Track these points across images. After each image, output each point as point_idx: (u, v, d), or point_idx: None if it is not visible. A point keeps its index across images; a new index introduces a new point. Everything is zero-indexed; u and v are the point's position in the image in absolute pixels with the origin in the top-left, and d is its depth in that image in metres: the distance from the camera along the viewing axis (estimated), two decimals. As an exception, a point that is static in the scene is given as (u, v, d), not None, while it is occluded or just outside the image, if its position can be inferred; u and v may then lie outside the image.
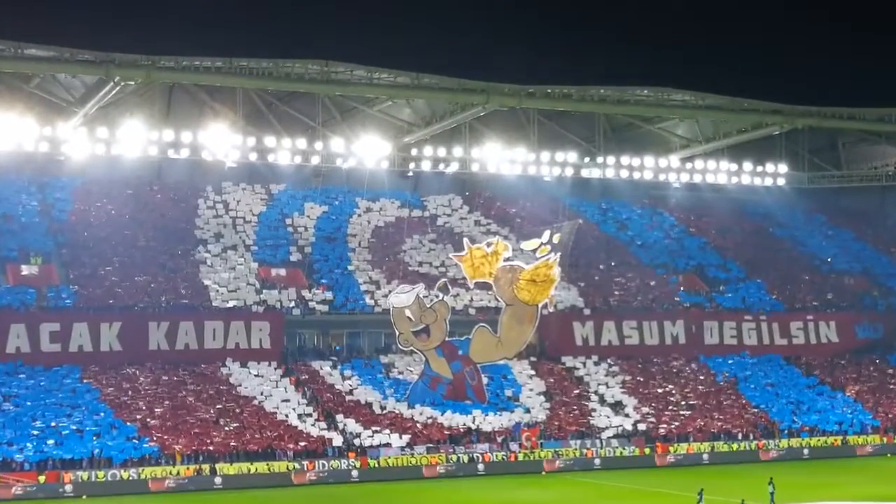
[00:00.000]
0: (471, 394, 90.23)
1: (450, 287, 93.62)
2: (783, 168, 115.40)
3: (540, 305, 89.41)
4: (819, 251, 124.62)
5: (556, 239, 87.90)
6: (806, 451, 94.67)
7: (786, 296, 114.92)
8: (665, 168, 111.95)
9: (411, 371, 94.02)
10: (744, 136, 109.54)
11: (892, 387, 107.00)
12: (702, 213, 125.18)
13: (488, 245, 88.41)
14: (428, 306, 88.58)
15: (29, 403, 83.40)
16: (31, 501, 73.83)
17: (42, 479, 75.86)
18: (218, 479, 79.46)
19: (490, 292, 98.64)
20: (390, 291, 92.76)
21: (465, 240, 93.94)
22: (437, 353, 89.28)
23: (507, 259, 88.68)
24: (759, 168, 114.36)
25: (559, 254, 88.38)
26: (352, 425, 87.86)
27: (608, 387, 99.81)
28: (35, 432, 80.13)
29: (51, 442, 79.31)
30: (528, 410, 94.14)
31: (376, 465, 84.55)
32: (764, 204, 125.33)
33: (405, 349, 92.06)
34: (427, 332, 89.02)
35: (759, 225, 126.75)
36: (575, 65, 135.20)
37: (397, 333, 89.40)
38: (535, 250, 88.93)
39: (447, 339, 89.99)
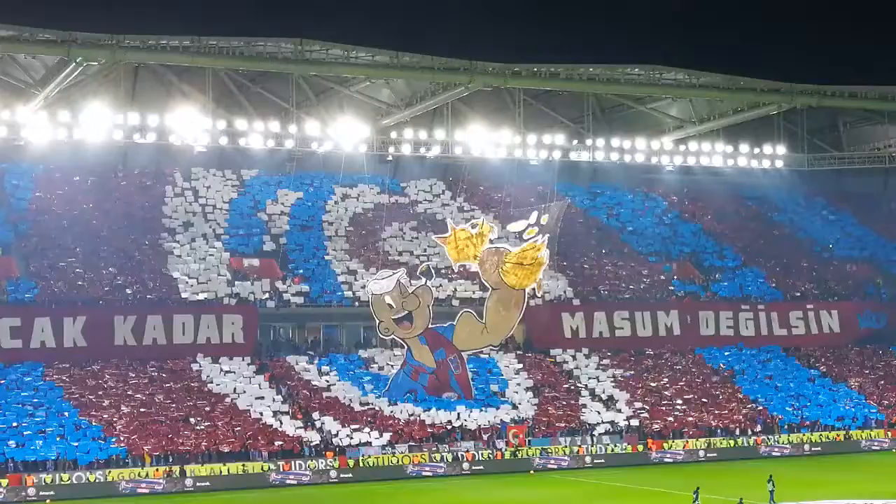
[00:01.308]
0: (455, 385, 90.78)
1: (433, 271, 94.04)
2: (781, 150, 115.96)
3: (527, 290, 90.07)
4: (819, 237, 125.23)
5: (543, 220, 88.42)
6: (807, 447, 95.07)
7: (785, 284, 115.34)
8: (658, 150, 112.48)
9: (392, 366, 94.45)
10: (740, 117, 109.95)
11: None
12: (696, 198, 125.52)
13: (473, 226, 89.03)
14: (410, 292, 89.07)
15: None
16: (-7, 506, 73.92)
17: (4, 482, 75.59)
18: (189, 482, 79.33)
19: (474, 282, 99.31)
20: (368, 284, 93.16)
21: (449, 220, 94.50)
22: (420, 341, 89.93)
23: (493, 241, 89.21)
24: (757, 150, 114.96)
25: (547, 236, 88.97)
26: (330, 423, 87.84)
27: (599, 381, 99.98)
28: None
29: (12, 443, 79.16)
30: (515, 406, 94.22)
31: (356, 465, 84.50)
32: (761, 187, 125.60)
33: (386, 338, 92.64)
34: (409, 320, 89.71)
35: (756, 209, 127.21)
36: (563, 42, 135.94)
37: (377, 322, 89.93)
38: (521, 232, 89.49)
39: (430, 326, 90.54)
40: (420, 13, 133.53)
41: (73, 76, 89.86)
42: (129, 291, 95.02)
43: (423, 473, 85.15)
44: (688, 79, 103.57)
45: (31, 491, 75.59)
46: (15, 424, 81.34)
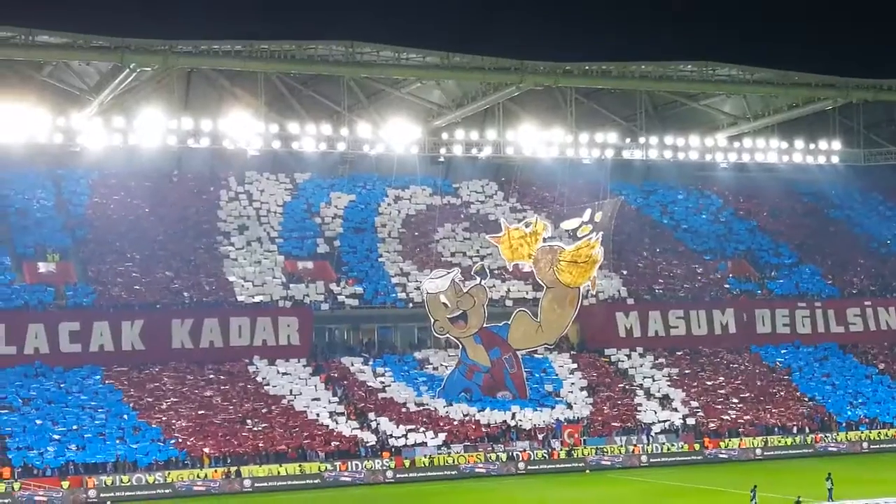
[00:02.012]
0: (510, 384, 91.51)
1: (487, 270, 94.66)
2: (837, 145, 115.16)
3: (582, 288, 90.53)
4: (876, 232, 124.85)
5: (597, 218, 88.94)
6: (865, 445, 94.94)
7: (842, 281, 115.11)
8: (711, 147, 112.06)
9: (446, 367, 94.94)
10: (795, 112, 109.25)
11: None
12: (751, 195, 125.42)
13: (527, 225, 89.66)
14: (465, 291, 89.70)
15: (49, 406, 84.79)
16: (55, 508, 75.16)
17: (65, 484, 76.85)
18: (247, 482, 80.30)
19: (528, 282, 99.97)
20: (422, 284, 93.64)
21: (502, 220, 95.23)
22: (475, 341, 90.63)
23: (547, 239, 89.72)
24: (812, 145, 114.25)
25: (601, 233, 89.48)
26: (385, 424, 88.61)
27: (654, 380, 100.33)
28: (56, 436, 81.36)
29: (73, 446, 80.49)
30: (569, 406, 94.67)
31: (411, 465, 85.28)
32: (817, 183, 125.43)
33: (441, 337, 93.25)
34: (464, 319, 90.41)
35: (812, 206, 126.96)
36: (614, 40, 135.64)
37: (432, 321, 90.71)
38: (575, 230, 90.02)
39: (485, 325, 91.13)
40: (470, 14, 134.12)
41: (126, 82, 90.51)
42: (185, 295, 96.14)
43: (479, 472, 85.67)
44: (741, 75, 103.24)
45: (92, 493, 76.66)
46: (75, 427, 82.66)
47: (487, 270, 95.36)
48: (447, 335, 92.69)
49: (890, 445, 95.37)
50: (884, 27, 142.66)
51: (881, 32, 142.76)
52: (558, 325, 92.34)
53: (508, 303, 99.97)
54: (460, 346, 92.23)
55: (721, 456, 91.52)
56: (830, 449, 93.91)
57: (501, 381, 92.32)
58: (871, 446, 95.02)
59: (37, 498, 75.61)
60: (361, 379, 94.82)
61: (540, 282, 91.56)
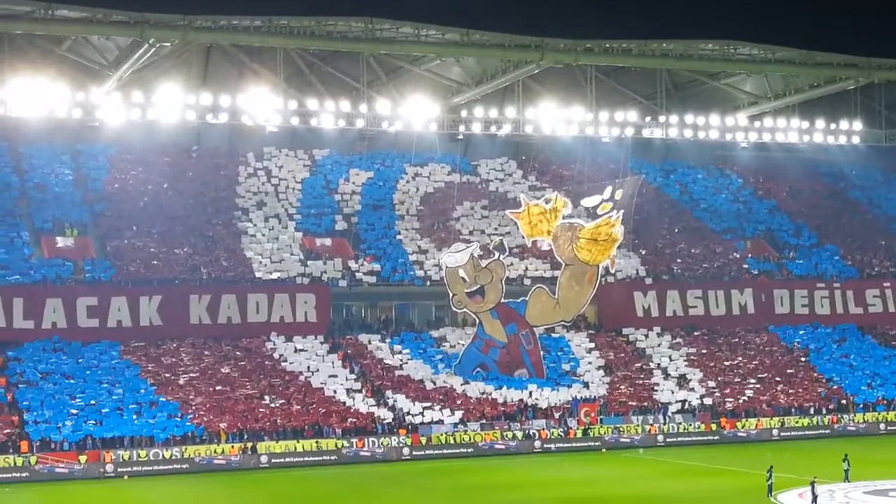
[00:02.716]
0: (526, 360, 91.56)
1: (506, 246, 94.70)
2: (858, 125, 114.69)
3: (600, 266, 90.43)
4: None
5: (618, 196, 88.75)
6: (882, 426, 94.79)
7: (861, 262, 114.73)
8: (732, 127, 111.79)
9: (463, 345, 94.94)
10: (816, 92, 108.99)
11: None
12: (771, 175, 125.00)
13: (546, 202, 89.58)
14: (483, 266, 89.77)
15: (67, 381, 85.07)
16: (72, 482, 75.25)
17: (82, 459, 77.24)
18: (263, 458, 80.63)
19: (546, 261, 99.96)
20: (441, 257, 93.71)
21: (522, 196, 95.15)
22: (492, 315, 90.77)
23: (567, 216, 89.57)
24: (833, 125, 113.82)
25: (622, 211, 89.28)
26: (402, 401, 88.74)
27: (672, 360, 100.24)
28: (74, 411, 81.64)
29: (90, 421, 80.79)
30: (586, 385, 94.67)
31: (428, 443, 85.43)
32: (838, 164, 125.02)
33: (458, 311, 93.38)
34: (482, 294, 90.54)
35: (832, 186, 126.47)
36: (635, 17, 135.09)
37: (450, 294, 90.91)
38: (595, 207, 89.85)
39: (503, 300, 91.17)
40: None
41: (145, 57, 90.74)
42: (203, 271, 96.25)
43: (496, 449, 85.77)
44: (763, 54, 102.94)
45: (109, 467, 77.07)
46: (93, 402, 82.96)
47: (506, 246, 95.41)
48: (464, 309, 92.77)
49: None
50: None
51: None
52: (576, 303, 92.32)
53: (526, 281, 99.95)
54: (477, 321, 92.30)
55: (738, 436, 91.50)
56: (847, 430, 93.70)
57: (518, 357, 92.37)
58: (889, 428, 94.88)
59: (57, 470, 76.04)
60: (378, 356, 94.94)
61: (558, 259, 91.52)
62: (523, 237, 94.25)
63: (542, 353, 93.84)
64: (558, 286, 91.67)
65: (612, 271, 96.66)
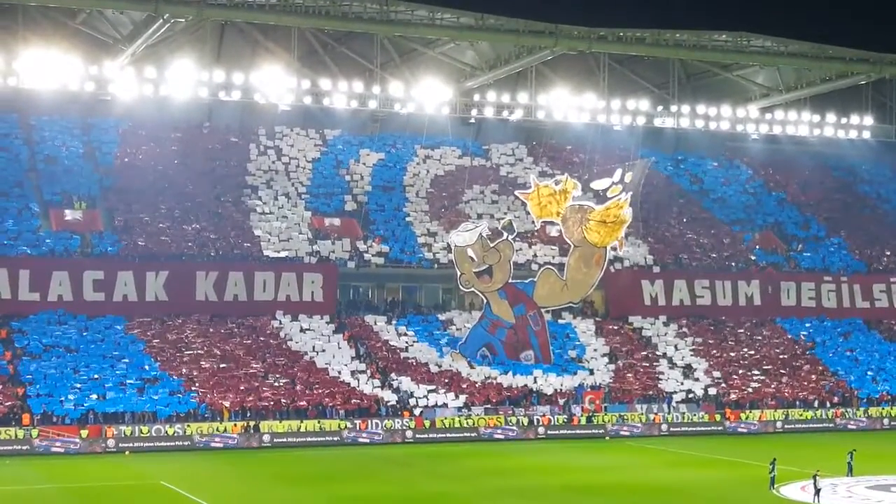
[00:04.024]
0: (534, 341, 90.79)
1: (514, 226, 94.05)
2: (869, 120, 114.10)
3: (608, 248, 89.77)
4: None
5: (627, 178, 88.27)
6: (886, 421, 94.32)
7: (869, 256, 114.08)
8: (743, 118, 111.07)
9: (470, 328, 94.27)
10: (828, 86, 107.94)
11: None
12: (781, 167, 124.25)
13: (556, 183, 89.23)
14: (491, 246, 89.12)
15: (71, 354, 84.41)
16: (73, 457, 74.75)
17: (84, 433, 76.79)
18: (266, 437, 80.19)
19: (554, 246, 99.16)
20: (450, 236, 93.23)
21: (532, 177, 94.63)
22: (500, 296, 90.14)
23: (576, 198, 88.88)
24: (844, 120, 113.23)
25: (630, 193, 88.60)
26: (407, 384, 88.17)
27: (677, 349, 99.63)
28: (77, 385, 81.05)
29: (93, 395, 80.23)
30: (592, 372, 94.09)
31: (432, 426, 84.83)
32: (848, 158, 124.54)
33: (465, 290, 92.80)
34: (490, 274, 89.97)
35: (842, 180, 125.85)
36: (649, 7, 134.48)
37: (458, 274, 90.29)
38: (605, 190, 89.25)
39: (511, 280, 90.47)
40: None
41: (160, 32, 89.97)
42: (211, 247, 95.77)
43: (498, 436, 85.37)
44: (775, 46, 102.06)
45: (111, 442, 76.73)
46: (96, 377, 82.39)
47: (514, 226, 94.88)
48: (472, 289, 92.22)
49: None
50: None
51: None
52: (584, 285, 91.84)
53: (535, 266, 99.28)
54: (485, 301, 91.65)
55: (741, 428, 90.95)
56: (850, 426, 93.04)
57: (525, 338, 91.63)
58: (892, 423, 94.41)
59: (53, 449, 75.57)
60: (384, 338, 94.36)
61: (567, 240, 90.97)
62: (532, 219, 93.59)
63: (549, 335, 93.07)
64: (566, 267, 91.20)
65: (621, 253, 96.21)
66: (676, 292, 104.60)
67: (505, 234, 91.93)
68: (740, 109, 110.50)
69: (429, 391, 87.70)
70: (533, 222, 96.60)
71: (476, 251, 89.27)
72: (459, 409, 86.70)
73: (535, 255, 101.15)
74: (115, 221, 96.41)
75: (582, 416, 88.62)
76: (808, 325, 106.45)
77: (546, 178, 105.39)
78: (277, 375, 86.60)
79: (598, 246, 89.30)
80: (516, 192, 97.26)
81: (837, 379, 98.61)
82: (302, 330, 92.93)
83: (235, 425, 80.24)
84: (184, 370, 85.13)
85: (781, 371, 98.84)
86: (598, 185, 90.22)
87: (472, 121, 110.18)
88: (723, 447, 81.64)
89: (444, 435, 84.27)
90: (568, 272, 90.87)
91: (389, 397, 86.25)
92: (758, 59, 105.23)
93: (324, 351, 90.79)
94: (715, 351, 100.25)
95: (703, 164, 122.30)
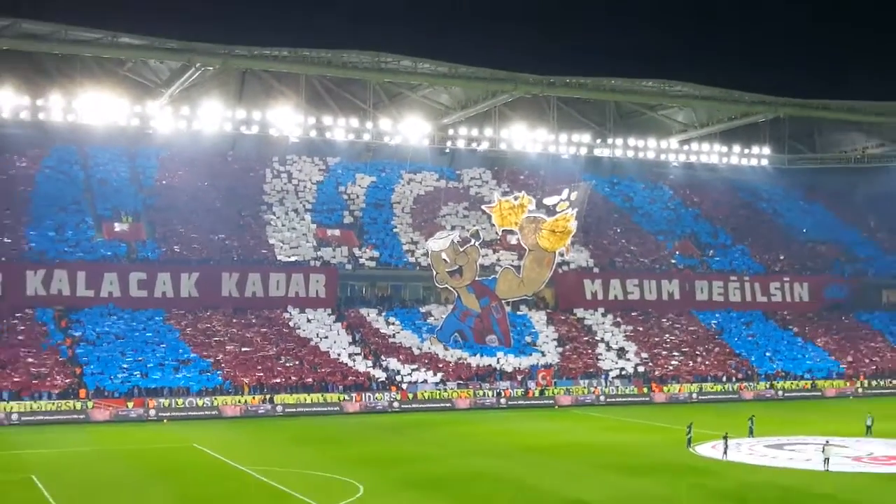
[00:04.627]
0: (496, 328, 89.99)
1: (480, 234, 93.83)
2: (767, 150, 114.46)
3: (557, 252, 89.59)
4: (796, 222, 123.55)
5: (573, 196, 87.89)
6: (781, 393, 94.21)
7: (766, 260, 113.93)
8: (665, 149, 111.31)
9: (445, 317, 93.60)
10: (734, 123, 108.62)
11: (856, 340, 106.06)
12: (696, 189, 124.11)
13: (515, 198, 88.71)
14: (461, 250, 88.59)
15: (119, 340, 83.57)
16: (121, 424, 74.21)
17: (130, 404, 76.25)
18: (279, 407, 79.65)
19: (513, 252, 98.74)
20: (427, 243, 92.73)
21: (496, 193, 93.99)
22: (468, 290, 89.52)
23: (531, 211, 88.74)
24: (746, 150, 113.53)
25: (576, 209, 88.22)
26: (394, 364, 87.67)
27: (613, 335, 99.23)
28: (124, 365, 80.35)
29: (137, 374, 79.62)
30: (544, 354, 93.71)
31: (414, 398, 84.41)
32: (750, 181, 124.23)
33: (440, 286, 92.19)
34: (460, 273, 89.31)
35: (745, 199, 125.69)
36: (590, 58, 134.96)
37: (434, 273, 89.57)
38: (555, 205, 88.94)
39: (477, 278, 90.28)
40: (476, 33, 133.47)
41: (192, 78, 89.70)
42: (234, 253, 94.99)
43: (468, 406, 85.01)
44: (692, 91, 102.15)
45: (152, 412, 76.21)
46: (140, 359, 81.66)
47: (480, 234, 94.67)
48: (446, 285, 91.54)
49: (800, 393, 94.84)
50: (807, 57, 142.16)
51: (805, 61, 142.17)
52: (537, 281, 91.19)
53: (497, 268, 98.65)
54: (456, 294, 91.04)
55: (664, 399, 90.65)
56: (751, 397, 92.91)
57: (489, 325, 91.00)
58: (786, 394, 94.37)
59: (105, 418, 75.05)
60: (376, 326, 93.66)
61: (523, 245, 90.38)
62: (496, 230, 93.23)
63: (509, 322, 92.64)
64: (522, 267, 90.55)
65: (567, 257, 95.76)
66: (612, 289, 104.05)
67: (472, 241, 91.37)
68: (663, 142, 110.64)
69: (412, 370, 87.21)
70: (496, 232, 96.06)
71: (449, 254, 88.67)
72: (437, 384, 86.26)
73: (498, 259, 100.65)
74: (155, 232, 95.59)
75: (536, 389, 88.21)
76: (717, 315, 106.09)
77: (507, 197, 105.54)
78: (288, 357, 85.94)
79: (548, 250, 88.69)
80: (482, 207, 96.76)
81: (741, 359, 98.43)
82: (308, 320, 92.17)
83: (254, 398, 79.69)
84: (212, 353, 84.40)
85: (696, 352, 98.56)
86: (549, 201, 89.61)
87: (447, 150, 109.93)
88: (649, 414, 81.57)
89: (424, 405, 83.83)
90: (524, 271, 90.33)
91: (380, 375, 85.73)
92: (677, 102, 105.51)
93: (326, 337, 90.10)
94: (643, 336, 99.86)
95: (634, 186, 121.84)
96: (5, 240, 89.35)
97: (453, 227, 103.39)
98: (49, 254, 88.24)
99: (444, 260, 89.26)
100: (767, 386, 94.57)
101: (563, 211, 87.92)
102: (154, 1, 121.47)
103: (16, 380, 76.07)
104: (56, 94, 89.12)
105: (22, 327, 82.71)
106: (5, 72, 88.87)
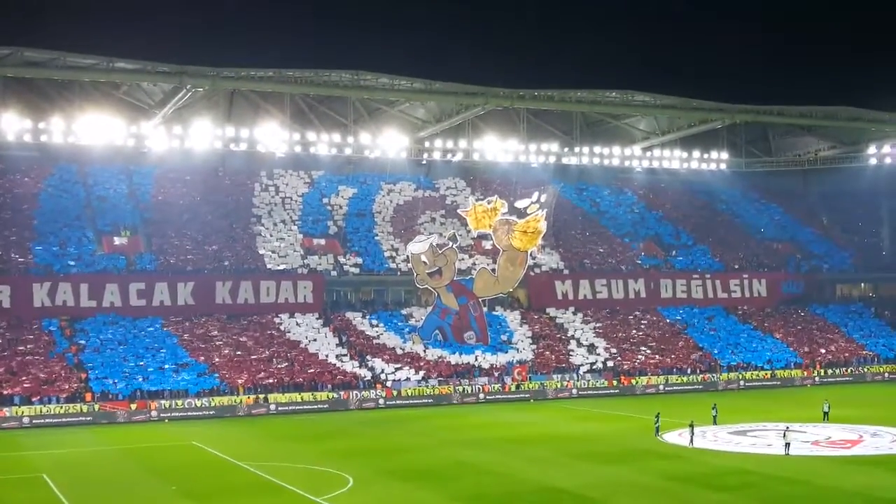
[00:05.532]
0: (474, 325, 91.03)
1: (458, 237, 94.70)
2: (724, 155, 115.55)
3: (529, 251, 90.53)
4: (753, 222, 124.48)
5: (542, 199, 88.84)
6: (742, 383, 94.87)
7: (726, 259, 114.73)
8: (629, 156, 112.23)
9: (426, 315, 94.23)
10: (693, 130, 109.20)
11: (812, 331, 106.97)
12: (659, 193, 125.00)
13: (488, 202, 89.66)
14: (440, 252, 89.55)
15: (121, 347, 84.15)
16: (124, 425, 74.86)
17: (133, 406, 76.75)
18: (272, 406, 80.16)
19: (488, 256, 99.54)
20: (408, 246, 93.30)
21: (470, 198, 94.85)
22: (447, 290, 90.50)
23: (504, 214, 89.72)
24: (706, 155, 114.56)
25: (545, 210, 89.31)
26: (378, 363, 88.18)
27: (583, 332, 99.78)
28: (126, 370, 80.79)
29: (139, 377, 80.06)
30: (519, 351, 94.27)
31: (398, 395, 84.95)
32: (709, 184, 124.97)
33: (420, 287, 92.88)
34: (439, 273, 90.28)
35: (704, 202, 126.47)
36: (557, 72, 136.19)
37: (415, 275, 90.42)
38: (526, 208, 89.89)
39: (455, 278, 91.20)
40: (449, 50, 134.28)
41: (184, 99, 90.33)
42: (226, 263, 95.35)
43: (449, 401, 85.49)
44: (653, 101, 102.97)
45: (154, 413, 76.64)
46: (141, 363, 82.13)
47: (458, 237, 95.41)
48: (426, 285, 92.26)
49: (760, 384, 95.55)
50: (762, 66, 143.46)
51: (759, 70, 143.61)
52: (511, 279, 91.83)
53: (474, 272, 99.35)
54: (436, 294, 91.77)
55: (633, 390, 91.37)
56: (716, 387, 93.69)
57: (468, 322, 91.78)
58: (746, 384, 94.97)
59: (109, 419, 75.66)
60: (360, 329, 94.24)
61: (497, 245, 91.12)
62: (472, 235, 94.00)
63: (486, 320, 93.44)
64: (497, 266, 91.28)
65: (538, 257, 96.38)
66: (582, 289, 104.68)
67: (450, 243, 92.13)
68: (627, 149, 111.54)
69: (396, 368, 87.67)
70: (472, 238, 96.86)
71: (428, 256, 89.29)
72: (419, 381, 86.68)
73: (473, 263, 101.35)
74: (152, 245, 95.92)
75: (512, 384, 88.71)
76: (681, 311, 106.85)
77: (480, 201, 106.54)
78: (280, 359, 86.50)
79: (520, 250, 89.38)
80: (458, 210, 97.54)
81: (704, 351, 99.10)
82: (297, 324, 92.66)
83: (249, 398, 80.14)
84: (208, 357, 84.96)
85: (662, 346, 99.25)
86: (520, 204, 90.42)
87: (424, 162, 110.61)
88: (619, 405, 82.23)
89: (408, 401, 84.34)
90: (499, 270, 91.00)
91: (365, 374, 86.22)
92: (640, 111, 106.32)
93: (315, 340, 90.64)
94: (611, 332, 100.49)
95: (600, 191, 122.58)
96: (13, 255, 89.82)
97: (430, 234, 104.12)
98: (54, 267, 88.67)
99: (424, 262, 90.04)
100: (729, 377, 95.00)
101: (533, 213, 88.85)
102: (146, 27, 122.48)
103: (26, 385, 76.63)
104: (57, 117, 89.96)
105: (30, 336, 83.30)
106: (9, 97, 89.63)
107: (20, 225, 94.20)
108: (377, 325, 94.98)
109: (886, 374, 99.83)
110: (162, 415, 76.72)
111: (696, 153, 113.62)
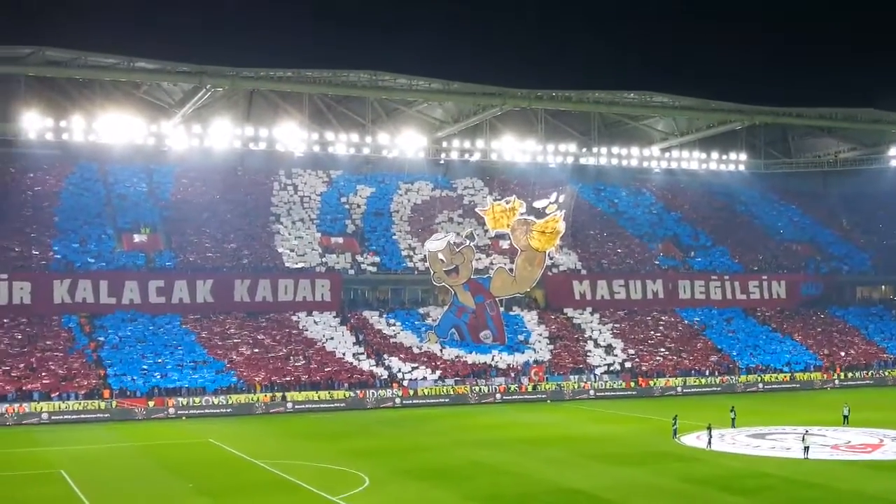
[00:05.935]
0: (490, 324, 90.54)
1: (475, 235, 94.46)
2: (743, 156, 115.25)
3: (548, 251, 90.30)
4: (772, 224, 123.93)
5: (561, 199, 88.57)
6: (760, 386, 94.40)
7: (745, 260, 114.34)
8: (648, 157, 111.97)
9: (443, 313, 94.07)
10: (712, 131, 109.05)
11: (832, 334, 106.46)
12: (677, 194, 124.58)
13: (507, 202, 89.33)
14: (457, 250, 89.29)
15: (140, 344, 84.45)
16: (142, 422, 75.10)
17: (151, 403, 76.94)
18: (289, 404, 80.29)
19: (505, 256, 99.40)
20: (425, 244, 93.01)
21: (488, 197, 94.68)
22: (464, 288, 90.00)
23: (522, 214, 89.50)
24: (724, 156, 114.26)
25: (563, 211, 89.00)
26: (395, 362, 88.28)
27: (601, 332, 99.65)
28: (145, 367, 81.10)
29: (157, 374, 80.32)
30: (535, 351, 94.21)
31: (415, 394, 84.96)
32: (728, 185, 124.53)
33: (437, 285, 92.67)
34: (456, 271, 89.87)
35: (724, 203, 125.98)
36: (575, 72, 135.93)
37: (432, 272, 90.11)
38: (544, 208, 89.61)
39: (472, 277, 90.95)
40: (467, 50, 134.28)
41: (203, 99, 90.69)
42: (245, 261, 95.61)
43: (465, 401, 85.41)
44: (671, 102, 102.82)
45: (171, 410, 76.83)
46: (160, 360, 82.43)
47: (475, 234, 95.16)
48: (443, 284, 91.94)
49: (779, 386, 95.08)
50: (782, 68, 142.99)
51: (779, 71, 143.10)
52: (529, 280, 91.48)
53: (491, 271, 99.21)
54: (453, 292, 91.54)
55: (650, 392, 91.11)
56: (734, 389, 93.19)
57: (484, 321, 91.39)
58: (765, 386, 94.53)
59: (127, 416, 75.81)
60: (377, 327, 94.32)
61: (515, 245, 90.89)
62: (486, 231, 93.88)
63: (503, 319, 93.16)
64: (515, 266, 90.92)
65: (556, 256, 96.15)
66: (599, 290, 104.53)
67: (467, 241, 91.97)
68: (645, 150, 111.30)
69: (412, 368, 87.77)
70: (489, 237, 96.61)
71: (445, 255, 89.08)
72: (436, 380, 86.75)
73: (491, 263, 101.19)
74: (171, 243, 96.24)
75: (529, 384, 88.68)
76: (699, 313, 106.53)
77: (499, 200, 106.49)
78: (297, 357, 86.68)
79: (538, 250, 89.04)
80: (476, 209, 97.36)
81: (723, 353, 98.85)
82: (315, 323, 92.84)
83: (266, 396, 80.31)
84: (226, 354, 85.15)
85: (680, 348, 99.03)
86: (538, 204, 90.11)
87: (442, 162, 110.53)
88: (636, 407, 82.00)
89: (424, 401, 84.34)
90: (516, 270, 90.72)
91: (382, 373, 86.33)
92: (658, 112, 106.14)
93: (332, 338, 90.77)
94: (629, 333, 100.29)
95: (618, 191, 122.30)
96: (33, 252, 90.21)
97: (448, 234, 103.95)
98: (74, 265, 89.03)
99: (441, 259, 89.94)
100: (748, 379, 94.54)
101: (551, 213, 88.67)
102: (167, 28, 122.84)
103: (45, 382, 76.98)
104: (78, 116, 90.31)
105: (50, 333, 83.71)
106: (31, 96, 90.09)
107: (41, 222, 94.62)
108: (394, 324, 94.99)
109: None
110: (179, 412, 76.85)
111: (715, 154, 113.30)
